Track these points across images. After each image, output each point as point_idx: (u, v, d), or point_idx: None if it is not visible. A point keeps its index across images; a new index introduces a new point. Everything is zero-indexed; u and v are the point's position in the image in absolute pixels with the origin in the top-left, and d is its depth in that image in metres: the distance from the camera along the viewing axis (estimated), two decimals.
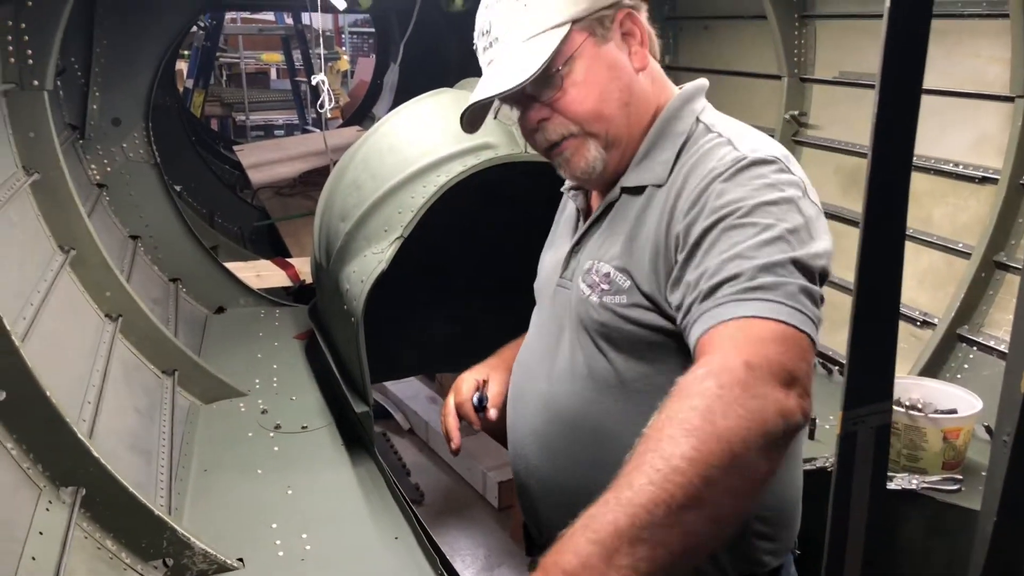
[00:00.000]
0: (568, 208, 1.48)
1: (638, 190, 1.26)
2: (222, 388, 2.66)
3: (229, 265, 3.60)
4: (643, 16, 1.28)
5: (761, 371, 0.92)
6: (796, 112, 3.39)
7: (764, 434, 0.89)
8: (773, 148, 1.18)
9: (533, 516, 1.43)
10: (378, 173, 2.39)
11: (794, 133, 3.41)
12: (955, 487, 2.01)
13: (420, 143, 2.38)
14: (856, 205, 3.15)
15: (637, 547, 0.83)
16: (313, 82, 3.61)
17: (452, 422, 1.50)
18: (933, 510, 2.02)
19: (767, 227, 1.05)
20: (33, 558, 1.42)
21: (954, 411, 2.09)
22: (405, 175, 2.31)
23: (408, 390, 4.90)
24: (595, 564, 0.83)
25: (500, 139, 2.35)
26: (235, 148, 6.23)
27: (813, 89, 3.39)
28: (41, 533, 1.49)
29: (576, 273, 1.31)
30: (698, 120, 1.28)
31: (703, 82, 1.34)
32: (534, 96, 1.24)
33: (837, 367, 2.91)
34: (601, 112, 1.24)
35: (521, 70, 1.19)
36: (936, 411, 2.12)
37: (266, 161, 5.86)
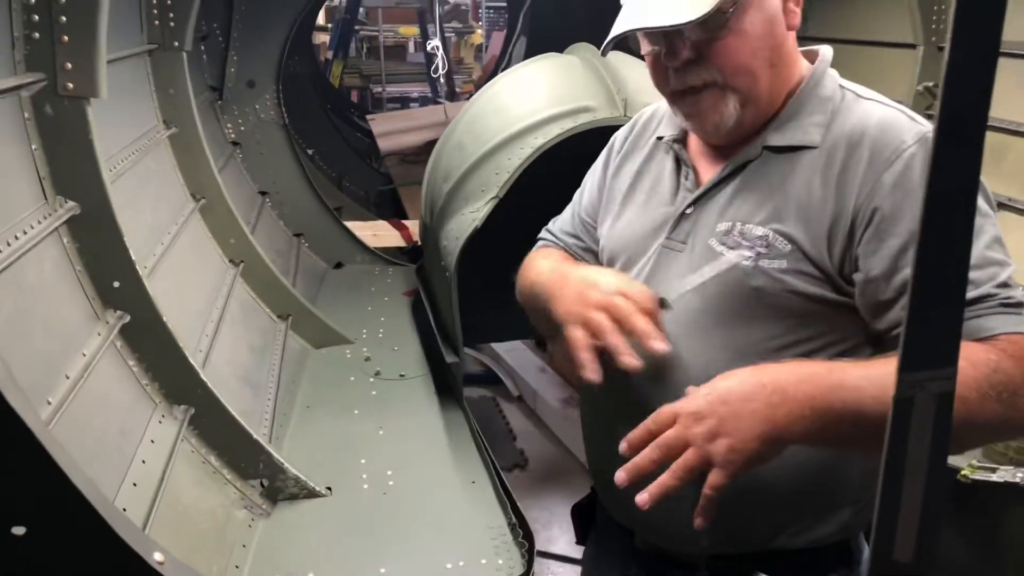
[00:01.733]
0: (655, 162, 1.39)
1: (785, 150, 1.21)
2: (331, 335, 2.84)
3: (349, 224, 3.80)
4: None
5: None
6: (931, 84, 3.18)
7: (1008, 429, 1.06)
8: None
9: (616, 493, 1.25)
10: (480, 135, 2.46)
11: (928, 106, 3.21)
12: None
13: (521, 106, 2.43)
14: (992, 185, 2.94)
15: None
16: (428, 48, 3.72)
17: (643, 321, 1.13)
18: None
19: (981, 228, 1.11)
20: (143, 461, 1.60)
21: None
22: (504, 136, 2.37)
23: (519, 359, 5.00)
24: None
25: (600, 102, 2.37)
26: (368, 117, 6.51)
27: None
28: (152, 441, 1.67)
29: (697, 234, 1.25)
30: (841, 87, 1.26)
31: (831, 50, 1.31)
32: (683, 34, 1.18)
33: None
34: (750, 67, 1.19)
35: (692, 2, 1.13)
36: None
37: (395, 130, 6.09)
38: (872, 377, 1.00)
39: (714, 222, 1.24)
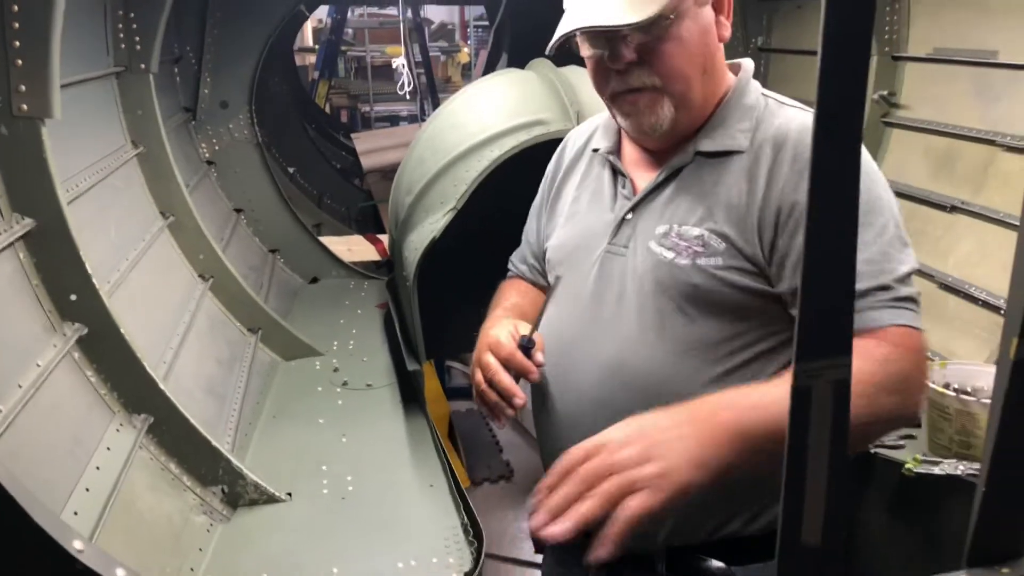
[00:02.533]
0: (592, 176, 1.46)
1: (715, 155, 1.28)
2: (301, 347, 2.89)
3: (324, 239, 3.87)
4: None
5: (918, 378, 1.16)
6: (886, 92, 3.26)
7: (900, 420, 1.17)
8: None
9: None
10: (439, 149, 2.53)
11: (883, 114, 3.28)
12: None
13: (477, 120, 2.50)
14: (945, 189, 3.01)
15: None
16: (393, 66, 3.80)
17: (506, 379, 1.29)
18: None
19: (884, 226, 1.21)
20: (97, 468, 1.65)
21: None
22: (461, 150, 2.43)
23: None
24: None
25: (554, 114, 2.44)
26: (352, 136, 6.59)
27: (905, 67, 3.25)
28: (109, 448, 1.72)
29: (637, 238, 1.31)
30: (764, 95, 1.34)
31: (751, 62, 1.40)
32: (625, 39, 1.25)
33: None
34: (686, 73, 1.27)
35: (634, 7, 1.20)
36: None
37: (377, 148, 6.17)
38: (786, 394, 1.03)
39: (653, 226, 1.31)
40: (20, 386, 1.51)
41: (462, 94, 2.71)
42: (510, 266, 1.71)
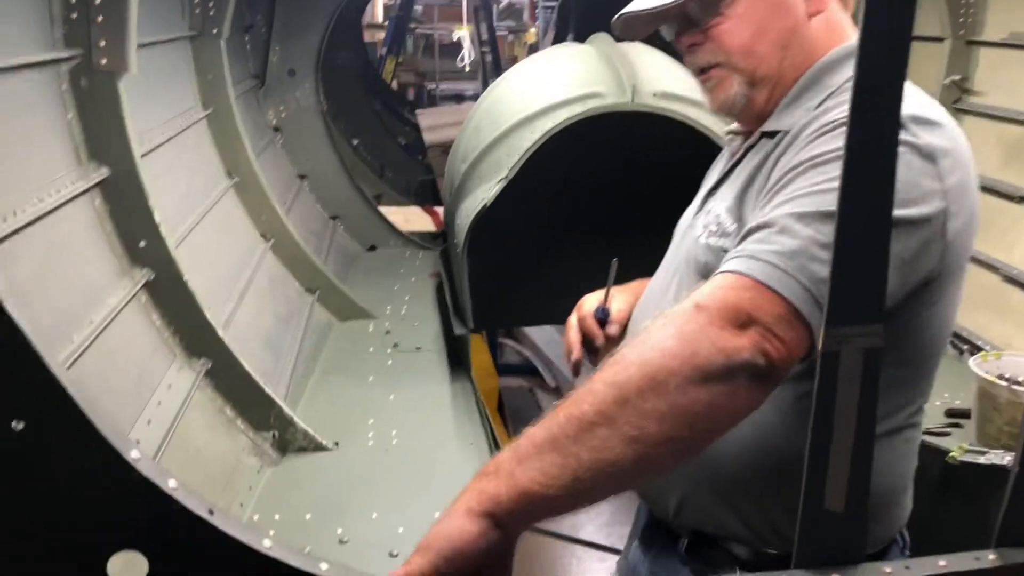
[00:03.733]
0: (724, 155, 1.43)
1: (774, 135, 1.23)
2: (356, 310, 2.99)
3: (383, 209, 3.96)
4: None
5: (708, 311, 0.96)
6: (958, 77, 3.16)
7: (694, 366, 0.93)
8: (927, 109, 1.11)
9: None
10: (495, 118, 2.57)
11: (955, 100, 3.19)
12: None
13: (534, 91, 2.53)
14: (1016, 179, 2.92)
15: (546, 455, 0.90)
16: (454, 38, 3.85)
17: (574, 336, 1.43)
18: None
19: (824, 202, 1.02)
20: (159, 403, 1.76)
21: None
22: (517, 120, 2.47)
23: (557, 350, 5.10)
24: (507, 467, 0.90)
25: (609, 88, 2.45)
26: (417, 112, 6.70)
27: (980, 52, 3.15)
28: (170, 387, 1.83)
29: (703, 215, 1.32)
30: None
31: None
32: (692, 19, 1.25)
33: (968, 346, 2.74)
34: (753, 49, 1.22)
35: None
36: None
37: (441, 124, 6.25)
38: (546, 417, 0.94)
39: (711, 203, 1.31)
40: (91, 322, 1.62)
41: (521, 65, 2.75)
42: None
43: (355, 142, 4.89)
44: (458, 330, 2.51)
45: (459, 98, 10.52)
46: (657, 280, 1.39)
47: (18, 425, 0.99)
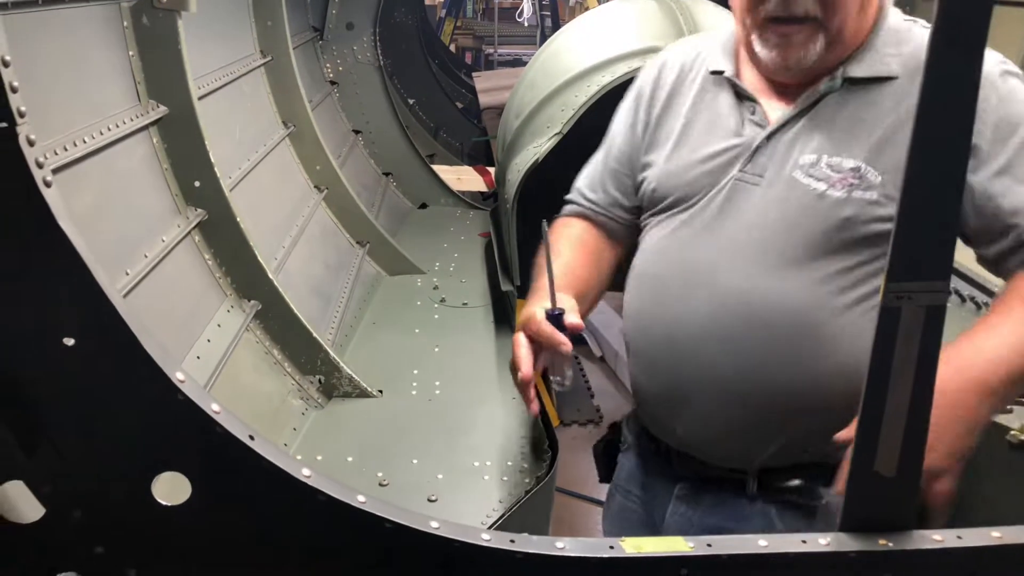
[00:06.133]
0: (707, 100, 1.39)
1: (865, 81, 1.25)
2: (405, 264, 3.00)
3: (436, 168, 3.96)
4: None
5: None
6: None
7: None
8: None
9: (679, 420, 1.37)
10: (550, 73, 2.53)
11: None
12: None
13: (592, 46, 2.48)
14: None
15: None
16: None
17: (524, 352, 1.34)
18: None
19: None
20: (208, 340, 1.79)
21: None
22: (572, 75, 2.43)
23: (604, 320, 5.06)
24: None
25: (669, 42, 2.38)
26: (474, 74, 6.65)
27: None
28: (219, 326, 1.86)
29: (776, 167, 1.28)
30: (904, 19, 1.30)
31: None
32: None
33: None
34: (847, 8, 1.23)
35: None
36: None
37: (497, 87, 6.20)
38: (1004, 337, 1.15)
39: (796, 155, 1.27)
40: (146, 256, 1.65)
41: (579, 20, 2.69)
42: (574, 196, 1.58)
43: (411, 101, 4.89)
44: (505, 286, 2.50)
45: (517, 62, 10.42)
46: (707, 243, 1.30)
47: (69, 341, 1.01)
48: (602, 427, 4.32)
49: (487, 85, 6.23)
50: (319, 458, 1.83)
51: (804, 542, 1.10)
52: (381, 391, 2.14)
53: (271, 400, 1.94)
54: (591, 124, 2.39)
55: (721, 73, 1.38)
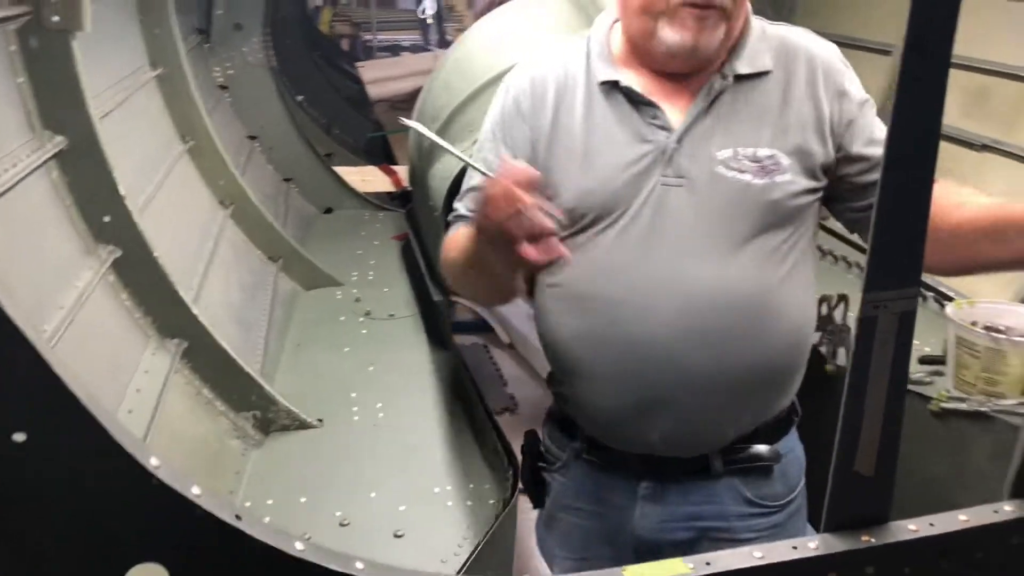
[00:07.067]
0: (599, 110, 1.37)
1: (749, 76, 1.33)
2: (322, 277, 2.88)
3: (338, 169, 3.81)
4: None
5: None
6: None
7: None
8: None
9: (655, 425, 1.36)
10: (467, 75, 2.46)
11: None
12: None
13: (509, 45, 2.43)
14: (976, 127, 2.97)
15: None
16: None
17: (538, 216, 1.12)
18: (1004, 433, 1.97)
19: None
20: (138, 390, 1.65)
21: None
22: (491, 76, 2.37)
23: (509, 307, 5.05)
24: None
25: None
26: (357, 64, 6.45)
27: None
28: (147, 372, 1.72)
29: (696, 166, 1.30)
30: (755, 19, 1.40)
31: None
32: None
33: (932, 294, 2.79)
34: (746, 4, 1.32)
35: None
36: (1022, 335, 2.04)
37: (384, 77, 6.04)
38: None
39: (712, 151, 1.30)
40: (62, 307, 1.49)
41: (491, 18, 2.63)
42: (461, 212, 1.46)
43: (300, 98, 4.68)
44: (437, 297, 2.44)
45: (395, 49, 10.20)
46: (651, 248, 1.30)
47: (19, 437, 0.89)
48: (519, 415, 4.33)
49: (374, 76, 6.06)
50: (270, 502, 1.72)
51: (795, 548, 1.13)
52: (321, 420, 2.04)
53: (208, 444, 1.82)
54: None
55: (615, 83, 1.35)
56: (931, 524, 1.15)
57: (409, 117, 5.34)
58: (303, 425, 2.01)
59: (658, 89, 1.36)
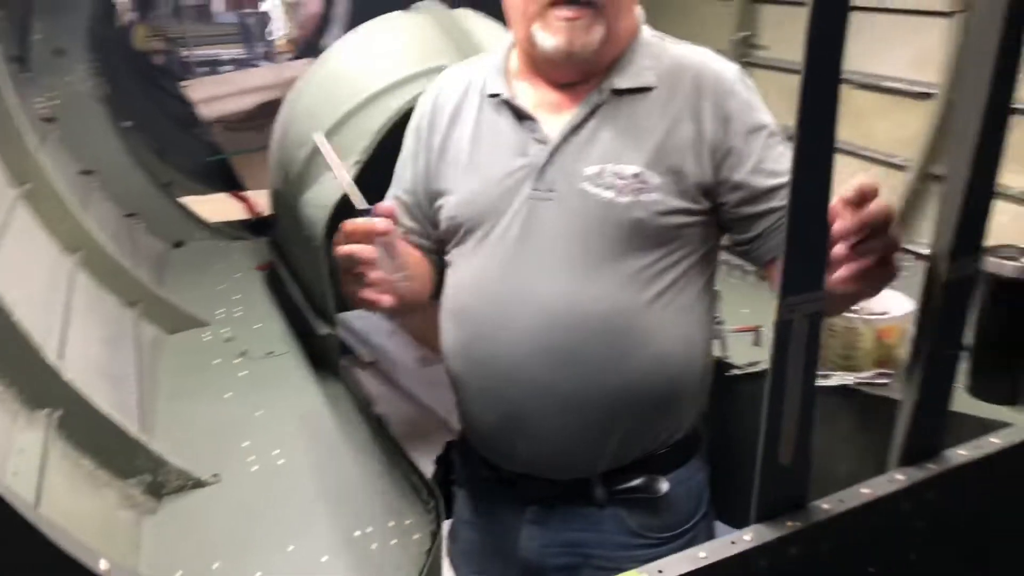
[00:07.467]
0: (486, 124, 1.40)
1: (629, 92, 1.32)
2: (185, 319, 2.69)
3: (184, 200, 3.58)
4: None
5: None
6: (747, 34, 3.43)
7: None
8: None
9: (521, 444, 1.39)
10: (333, 98, 2.39)
11: (743, 55, 3.46)
12: (885, 381, 2.16)
13: (375, 68, 2.38)
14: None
15: None
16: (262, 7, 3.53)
17: (354, 248, 1.22)
18: (865, 403, 2.16)
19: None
20: (15, 474, 1.47)
21: (886, 313, 2.23)
22: (361, 100, 2.32)
23: (368, 324, 4.94)
24: None
25: (453, 60, 2.36)
26: (182, 84, 6.07)
27: (763, 9, 3.43)
28: (22, 451, 1.53)
29: (565, 180, 1.30)
30: (652, 34, 1.40)
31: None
32: None
33: None
34: (623, 4, 1.30)
35: None
36: (871, 313, 2.26)
37: (217, 96, 5.73)
38: None
39: (581, 167, 1.31)
40: None
41: (348, 40, 2.57)
42: None
43: (127, 125, 4.34)
44: (322, 330, 2.35)
45: (215, 63, 9.69)
46: (513, 262, 1.33)
47: None
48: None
49: (204, 95, 5.74)
50: (180, 574, 1.59)
51: (733, 543, 1.20)
52: (216, 475, 1.91)
53: (97, 521, 1.65)
54: (389, 148, 2.31)
55: (498, 96, 1.39)
56: (840, 500, 1.26)
57: (249, 137, 5.09)
58: (198, 484, 1.87)
59: (548, 101, 1.37)
